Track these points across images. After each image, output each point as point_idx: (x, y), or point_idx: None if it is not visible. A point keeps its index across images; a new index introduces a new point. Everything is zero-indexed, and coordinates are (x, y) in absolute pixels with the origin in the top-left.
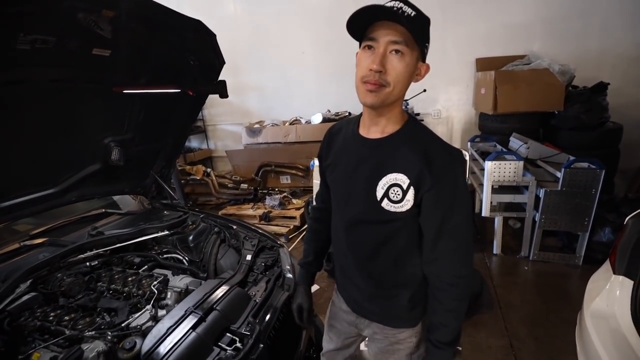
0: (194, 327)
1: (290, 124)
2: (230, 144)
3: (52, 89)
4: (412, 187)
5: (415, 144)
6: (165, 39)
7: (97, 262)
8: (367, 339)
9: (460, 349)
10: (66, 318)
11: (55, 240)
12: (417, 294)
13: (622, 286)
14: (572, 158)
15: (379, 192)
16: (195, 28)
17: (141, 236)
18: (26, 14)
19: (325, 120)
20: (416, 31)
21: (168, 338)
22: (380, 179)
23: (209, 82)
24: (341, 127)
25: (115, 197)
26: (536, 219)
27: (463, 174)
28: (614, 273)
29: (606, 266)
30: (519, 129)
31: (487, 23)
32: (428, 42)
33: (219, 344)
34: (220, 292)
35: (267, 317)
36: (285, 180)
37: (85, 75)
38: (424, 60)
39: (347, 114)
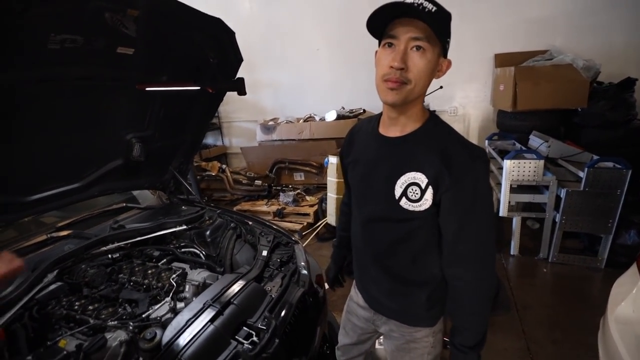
0: (212, 320)
1: (305, 121)
2: (245, 141)
3: (78, 86)
4: (430, 187)
5: (434, 142)
6: (186, 37)
7: (118, 255)
8: (382, 336)
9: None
10: (90, 307)
11: (80, 233)
12: (435, 294)
13: None
14: (596, 157)
15: (398, 191)
16: (216, 26)
17: (160, 230)
18: (56, 14)
19: (339, 117)
20: (437, 27)
21: (187, 330)
22: (399, 177)
23: (227, 79)
24: (362, 126)
25: (135, 192)
26: (556, 220)
27: (486, 175)
28: None
29: (633, 270)
30: (539, 126)
31: (507, 17)
32: (449, 37)
33: (236, 337)
34: (237, 287)
35: (283, 312)
36: (299, 177)
37: (109, 73)
38: (445, 55)
39: (362, 111)
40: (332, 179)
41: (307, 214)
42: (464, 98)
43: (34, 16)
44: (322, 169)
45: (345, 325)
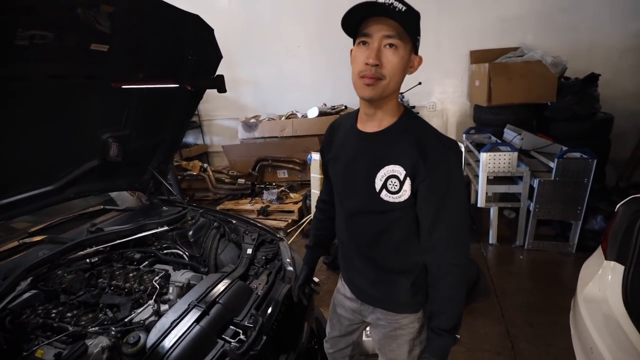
0: (197, 321)
1: (287, 118)
2: (227, 139)
3: (50, 84)
4: (408, 178)
5: (410, 136)
6: (163, 34)
7: (97, 259)
8: (369, 327)
9: (458, 336)
10: (69, 315)
11: (55, 238)
12: (418, 281)
13: (613, 271)
14: (564, 148)
15: (378, 184)
16: (194, 22)
17: (141, 232)
18: (25, 8)
19: (321, 114)
20: (408, 25)
21: (172, 332)
22: (379, 170)
23: (206, 76)
24: (342, 122)
25: (113, 194)
26: (530, 209)
27: (458, 164)
28: (606, 259)
29: (598, 252)
30: (513, 120)
31: (481, 15)
32: (419, 35)
33: (223, 336)
34: (222, 286)
35: (269, 309)
36: (283, 174)
37: (83, 70)
38: (416, 52)
39: (343, 107)
40: (316, 175)
41: (291, 211)
42: (442, 94)
43: (1, 11)
44: (305, 165)
45: (333, 317)
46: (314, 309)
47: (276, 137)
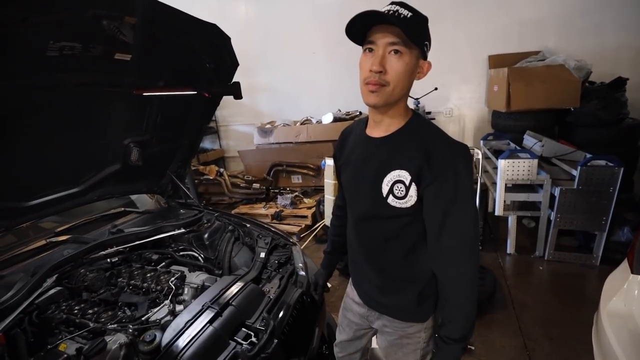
0: (211, 322)
1: (301, 124)
2: (242, 144)
3: (76, 92)
4: (413, 183)
5: (416, 140)
6: (182, 43)
7: (117, 259)
8: (377, 333)
9: (472, 347)
10: (90, 311)
11: (78, 238)
12: (427, 289)
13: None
14: (588, 156)
15: (384, 189)
16: (211, 32)
17: (159, 234)
18: (55, 22)
19: (336, 119)
20: (413, 31)
21: (186, 331)
22: (385, 176)
23: (223, 83)
24: (353, 129)
25: (133, 197)
26: (551, 218)
27: (467, 169)
28: (632, 272)
29: (624, 266)
30: (533, 126)
31: (500, 19)
32: (428, 41)
33: (235, 338)
34: (235, 288)
35: (281, 313)
36: (297, 179)
37: (107, 79)
38: (425, 58)
39: (358, 113)
40: (330, 180)
41: (305, 216)
42: (459, 99)
43: (34, 24)
44: (319, 171)
45: (342, 321)
46: (325, 314)
47: (291, 142)
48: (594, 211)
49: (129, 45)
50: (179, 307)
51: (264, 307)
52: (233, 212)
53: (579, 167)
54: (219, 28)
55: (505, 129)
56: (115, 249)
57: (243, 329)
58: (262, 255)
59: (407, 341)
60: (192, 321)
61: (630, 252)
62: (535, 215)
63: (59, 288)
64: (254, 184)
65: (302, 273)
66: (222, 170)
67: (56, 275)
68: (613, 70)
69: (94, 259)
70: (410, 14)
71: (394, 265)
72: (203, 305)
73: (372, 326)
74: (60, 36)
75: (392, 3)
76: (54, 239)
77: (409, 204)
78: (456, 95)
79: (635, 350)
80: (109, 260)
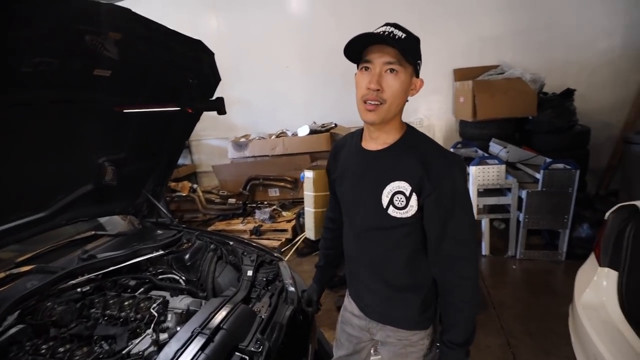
0: (202, 349)
1: (277, 136)
2: (216, 159)
3: (49, 109)
4: (414, 194)
5: (414, 151)
6: (165, 58)
7: (88, 288)
8: (378, 345)
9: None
10: (61, 350)
11: (44, 267)
12: (429, 297)
13: (608, 277)
14: (548, 160)
15: (384, 200)
16: (196, 47)
17: (136, 257)
18: (34, 36)
19: (312, 132)
20: (407, 51)
21: None
22: (384, 187)
23: (205, 99)
24: (346, 141)
25: (102, 219)
26: (520, 219)
27: (462, 178)
28: (600, 265)
29: (592, 259)
30: (497, 134)
31: (463, 36)
32: (420, 60)
33: None
34: (225, 311)
35: (275, 333)
36: (274, 193)
37: (84, 95)
38: (417, 75)
39: (333, 125)
40: (310, 193)
41: (285, 230)
42: (428, 110)
43: (10, 39)
44: (297, 183)
45: (340, 336)
46: (316, 329)
47: (267, 155)
48: (557, 211)
49: (110, 61)
50: (163, 336)
51: (256, 328)
52: (209, 229)
53: (541, 171)
54: (203, 44)
55: (472, 137)
56: (86, 277)
57: (237, 353)
58: (250, 273)
59: (412, 349)
60: (182, 350)
61: (596, 246)
62: (506, 217)
63: (21, 326)
64: (229, 199)
65: (292, 289)
66: (195, 186)
67: (18, 312)
68: (561, 82)
69: (62, 290)
70: (404, 35)
71: (396, 275)
72: (192, 332)
73: (373, 338)
74: (37, 51)
75: (386, 24)
76: (15, 271)
77: (409, 214)
78: (425, 106)
79: (610, 339)
80: (79, 289)
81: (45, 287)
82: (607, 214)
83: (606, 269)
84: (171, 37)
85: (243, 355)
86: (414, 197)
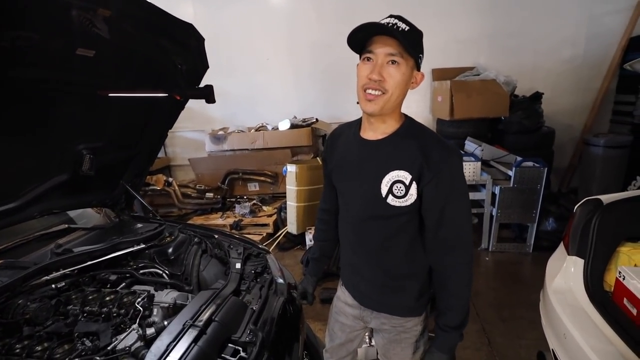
0: (195, 341)
1: (256, 130)
2: (191, 152)
3: (24, 90)
4: (414, 182)
5: (413, 141)
6: (155, 41)
7: (64, 284)
8: (371, 333)
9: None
10: (38, 349)
11: (13, 262)
12: (425, 284)
13: (575, 265)
14: (519, 158)
15: (384, 190)
16: (186, 31)
17: (115, 251)
18: (19, 9)
19: (293, 126)
20: (410, 44)
21: (170, 355)
22: (384, 176)
23: (191, 86)
24: (342, 131)
25: (72, 213)
26: (493, 214)
27: (460, 167)
28: (568, 254)
29: (561, 249)
30: (472, 133)
31: (441, 37)
32: (422, 53)
33: (223, 355)
34: (216, 303)
35: (267, 323)
36: (254, 187)
37: (65, 76)
38: (418, 69)
39: (315, 120)
40: (292, 187)
41: (266, 224)
42: (407, 108)
43: None
44: (277, 178)
45: (333, 326)
46: (304, 320)
47: (246, 149)
48: (527, 206)
49: (94, 41)
50: (149, 331)
51: (248, 320)
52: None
53: (513, 168)
54: (194, 28)
55: (449, 135)
56: (61, 272)
57: (230, 344)
58: (238, 265)
59: (405, 335)
60: (174, 343)
61: (565, 237)
62: (480, 212)
63: None
64: (207, 194)
65: (281, 281)
66: (170, 179)
67: None
68: (530, 86)
69: (34, 287)
70: (407, 27)
71: (395, 263)
72: (184, 325)
73: (367, 326)
74: (17, 25)
75: (390, 16)
76: None
77: (408, 202)
78: (404, 104)
79: (576, 317)
80: (53, 285)
81: (15, 283)
82: (576, 206)
83: (574, 257)
84: (162, 18)
85: (236, 347)
86: (413, 186)
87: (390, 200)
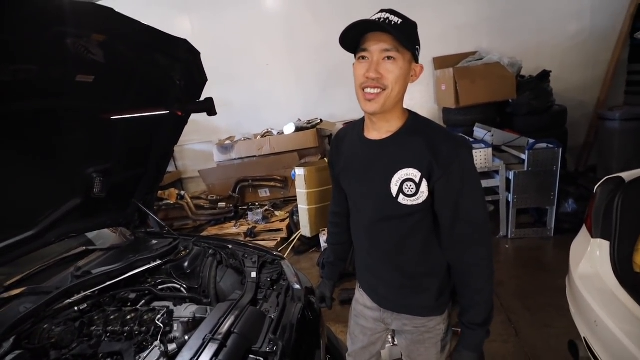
0: (216, 355)
1: (262, 136)
2: (201, 164)
3: (31, 121)
4: (424, 179)
5: (420, 137)
6: (151, 59)
7: (86, 305)
8: (394, 333)
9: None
10: None
11: (36, 289)
12: (444, 282)
13: (600, 248)
14: (532, 141)
15: (394, 189)
16: (182, 47)
17: (133, 270)
18: (12, 42)
19: (298, 129)
20: (404, 37)
21: None
22: (393, 176)
23: (192, 100)
24: (346, 133)
25: (90, 234)
26: (509, 200)
27: (470, 159)
28: (592, 237)
29: (583, 232)
30: (480, 119)
31: (439, 24)
32: (419, 45)
33: None
34: (234, 315)
35: (287, 331)
36: (264, 193)
37: (68, 103)
38: (417, 61)
39: (319, 120)
40: (302, 190)
41: (279, 230)
42: (411, 100)
43: None
44: (287, 182)
45: (354, 330)
46: (325, 324)
47: (254, 156)
48: (543, 189)
49: (92, 66)
50: (171, 347)
51: (268, 329)
52: (202, 234)
53: (527, 151)
54: (189, 43)
55: (456, 123)
56: (82, 294)
57: (251, 355)
58: (254, 274)
59: (429, 335)
60: (196, 358)
61: (587, 219)
62: (495, 199)
63: (18, 352)
64: (219, 203)
65: (298, 287)
66: (182, 192)
67: (13, 338)
68: (536, 65)
69: (58, 310)
70: (400, 20)
71: (411, 263)
72: (204, 339)
73: (389, 328)
74: (15, 58)
75: (382, 11)
76: (4, 295)
77: (420, 200)
78: (408, 96)
79: (607, 303)
80: (76, 308)
81: (40, 309)
82: (596, 187)
83: (598, 240)
84: (156, 37)
85: (258, 357)
86: (424, 183)
87: (402, 199)
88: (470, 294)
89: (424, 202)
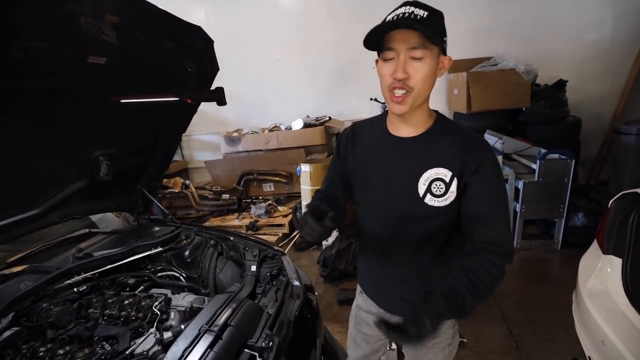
0: (211, 346)
1: (270, 130)
2: (207, 154)
3: (40, 100)
4: (455, 179)
5: (450, 136)
6: (164, 45)
7: (85, 287)
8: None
9: (465, 340)
10: (60, 352)
11: (38, 267)
12: None
13: (612, 264)
14: (544, 150)
15: (421, 189)
16: (195, 34)
17: (134, 255)
18: (25, 18)
19: (306, 125)
20: (432, 31)
21: None
22: (421, 175)
23: (202, 89)
24: (364, 128)
25: (94, 217)
26: (517, 210)
27: (498, 162)
28: (603, 253)
29: (594, 247)
30: (491, 125)
31: (454, 27)
32: (446, 36)
33: None
34: (231, 307)
35: (284, 328)
36: (269, 187)
37: (78, 85)
38: (445, 53)
39: (328, 118)
40: (306, 187)
41: (281, 225)
42: None
43: None
44: (291, 178)
45: (356, 337)
46: (322, 323)
47: (261, 150)
48: (553, 200)
49: (104, 48)
50: (167, 335)
51: (264, 324)
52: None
53: (538, 161)
54: (203, 31)
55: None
56: (82, 276)
57: (246, 350)
58: (253, 268)
59: (437, 340)
60: (190, 348)
61: (599, 234)
62: None
63: (16, 328)
64: (223, 195)
65: (297, 283)
66: (187, 182)
67: (12, 314)
68: (552, 74)
69: (57, 290)
70: (426, 13)
71: (427, 266)
72: (200, 329)
73: None
74: (27, 34)
75: (405, 4)
76: (6, 271)
77: (447, 202)
78: None
79: (616, 322)
80: (75, 289)
81: (40, 287)
82: (610, 202)
83: (610, 256)
84: (171, 22)
85: (252, 352)
86: (454, 183)
87: (428, 199)
88: (480, 269)
89: (450, 203)
